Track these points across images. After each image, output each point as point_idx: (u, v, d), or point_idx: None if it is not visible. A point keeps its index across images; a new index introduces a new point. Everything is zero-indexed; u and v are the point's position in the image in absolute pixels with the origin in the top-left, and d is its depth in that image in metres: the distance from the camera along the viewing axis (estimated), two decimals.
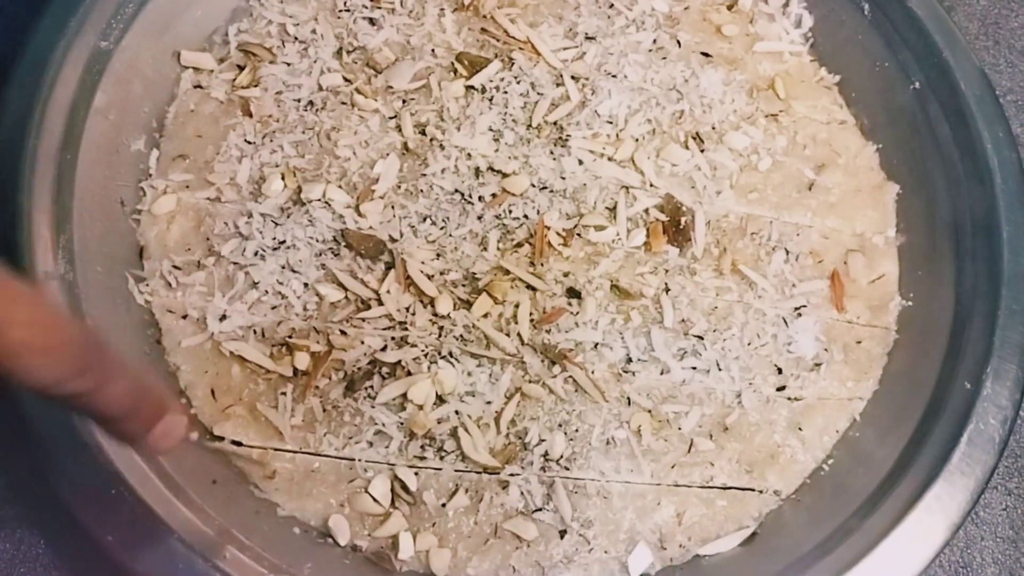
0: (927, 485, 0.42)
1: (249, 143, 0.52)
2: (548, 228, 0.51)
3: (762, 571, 0.42)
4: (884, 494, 0.42)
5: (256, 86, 0.53)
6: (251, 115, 0.52)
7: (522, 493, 0.45)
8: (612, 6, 0.58)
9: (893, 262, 0.52)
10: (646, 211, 0.52)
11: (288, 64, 0.54)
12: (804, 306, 0.51)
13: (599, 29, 0.57)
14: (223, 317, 0.47)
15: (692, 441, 0.47)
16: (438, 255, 0.50)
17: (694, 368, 0.49)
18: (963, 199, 0.49)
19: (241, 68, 0.53)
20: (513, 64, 0.55)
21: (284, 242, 0.49)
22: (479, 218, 0.51)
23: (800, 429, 0.48)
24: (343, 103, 0.53)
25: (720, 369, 0.49)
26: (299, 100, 0.53)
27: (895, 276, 0.52)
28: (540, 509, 0.45)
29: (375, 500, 0.44)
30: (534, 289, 0.49)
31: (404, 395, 0.46)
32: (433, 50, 0.55)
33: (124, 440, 0.32)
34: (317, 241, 0.49)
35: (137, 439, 0.31)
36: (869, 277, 0.52)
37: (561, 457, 0.46)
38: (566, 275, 0.50)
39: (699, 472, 0.47)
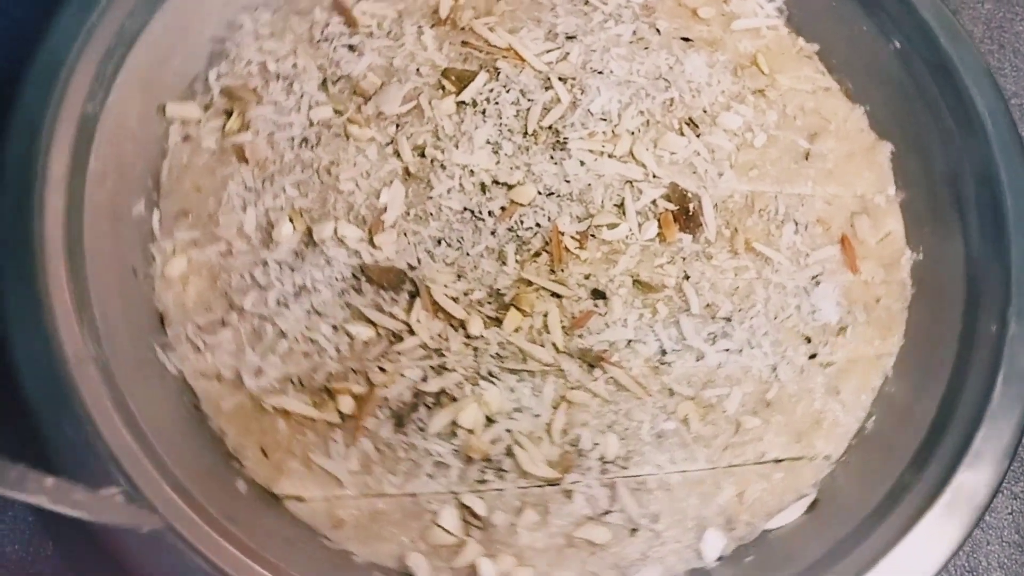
0: (972, 431, 0.44)
1: (249, 189, 0.51)
2: (562, 233, 0.51)
3: (830, 536, 0.44)
4: (933, 445, 0.45)
5: (247, 130, 0.52)
6: (247, 160, 0.51)
7: (587, 499, 0.46)
8: (588, 2, 0.59)
9: (897, 219, 0.54)
10: (654, 203, 0.53)
11: (275, 103, 0.54)
12: (820, 274, 0.53)
13: (578, 27, 0.58)
14: (258, 372, 0.46)
15: (738, 421, 0.49)
16: (459, 276, 0.50)
17: (727, 350, 0.50)
18: (957, 150, 0.51)
19: (229, 113, 0.52)
20: (499, 73, 0.55)
21: (304, 286, 0.49)
22: (492, 233, 0.51)
23: (838, 392, 0.50)
24: (337, 135, 0.53)
25: (752, 347, 0.50)
26: (292, 138, 0.53)
27: (901, 233, 0.54)
28: (608, 512, 0.46)
29: (447, 531, 0.44)
30: (559, 296, 0.50)
31: (454, 422, 0.46)
32: (418, 69, 0.55)
33: None
34: (337, 280, 0.49)
35: None
36: (876, 236, 0.54)
37: (617, 457, 0.47)
38: (587, 277, 0.51)
39: (751, 449, 0.48)
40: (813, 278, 0.53)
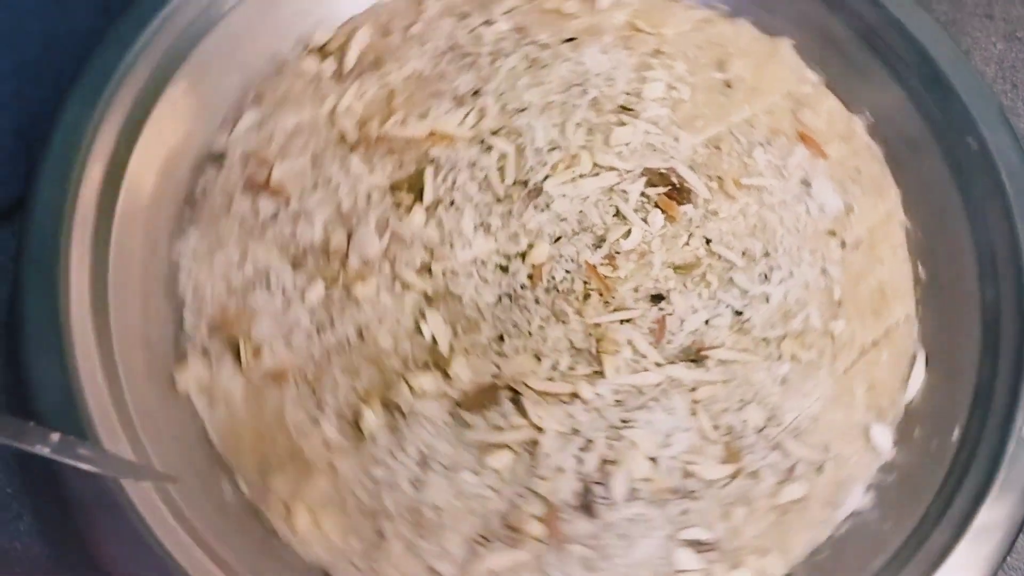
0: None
1: (307, 406, 0.52)
2: (594, 265, 0.56)
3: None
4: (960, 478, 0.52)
5: (258, 353, 0.52)
6: (285, 379, 0.52)
7: (769, 470, 0.53)
8: (468, 54, 0.63)
9: (829, 96, 0.64)
10: (642, 195, 0.59)
11: (266, 311, 0.54)
12: (804, 174, 0.61)
13: (476, 80, 0.62)
14: (445, 557, 0.48)
15: (829, 331, 0.57)
16: (538, 357, 0.54)
17: (782, 280, 0.58)
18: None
19: (235, 348, 0.52)
20: (439, 161, 0.59)
21: (423, 454, 0.51)
22: (537, 302, 0.56)
23: (881, 261, 0.59)
24: (345, 303, 0.55)
25: (798, 264, 0.58)
26: (307, 332, 0.54)
27: (839, 105, 0.63)
28: (790, 467, 0.52)
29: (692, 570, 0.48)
30: (629, 320, 0.55)
31: (630, 479, 0.50)
32: (368, 198, 0.57)
33: None
34: (445, 429, 0.51)
35: None
36: (823, 119, 0.64)
37: (766, 421, 0.53)
38: (636, 290, 0.57)
39: (852, 347, 0.57)
40: (801, 182, 0.61)
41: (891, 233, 0.61)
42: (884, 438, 0.55)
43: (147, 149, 0.55)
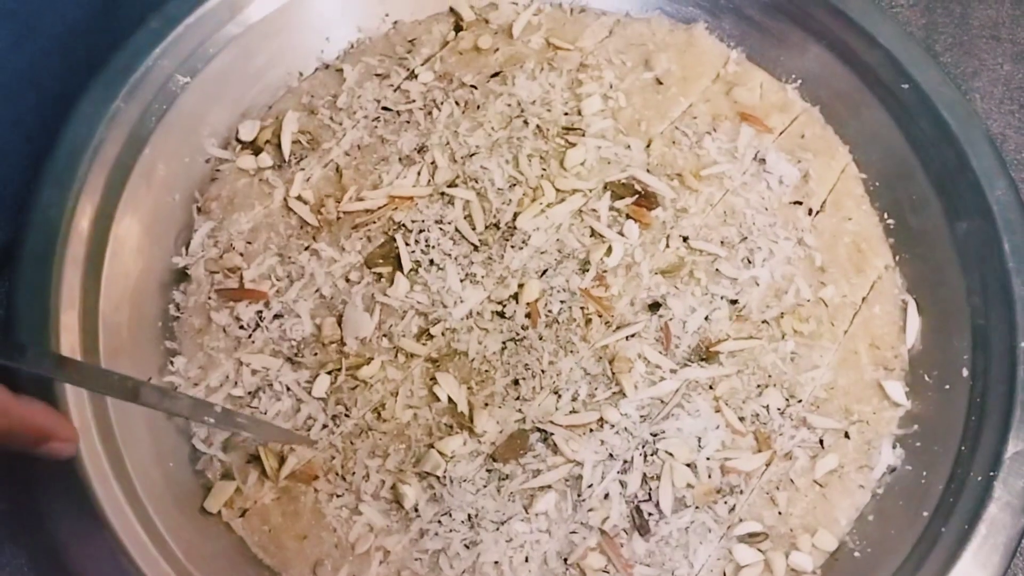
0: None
1: (343, 498, 0.57)
2: (587, 291, 0.62)
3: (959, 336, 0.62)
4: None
5: (281, 458, 0.57)
6: (316, 477, 0.57)
7: (800, 447, 0.60)
8: (399, 113, 0.70)
9: (756, 71, 0.74)
10: (611, 209, 0.66)
11: (276, 413, 0.58)
12: (756, 152, 0.69)
13: (417, 137, 0.69)
14: None
15: (820, 299, 0.65)
16: (557, 393, 0.60)
17: (764, 260, 0.65)
18: None
19: (257, 463, 0.57)
20: (405, 225, 0.64)
21: (470, 514, 0.57)
22: (541, 339, 0.62)
23: (848, 218, 0.67)
24: (354, 388, 0.60)
25: (774, 242, 0.65)
26: (325, 426, 0.59)
27: (767, 77, 0.73)
28: (819, 441, 0.59)
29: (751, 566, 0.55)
30: (635, 335, 0.61)
31: (673, 488, 0.57)
32: (347, 278, 0.63)
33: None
34: (487, 485, 0.57)
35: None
36: (754, 92, 0.72)
37: (787, 401, 0.60)
38: (632, 303, 0.63)
39: (845, 309, 0.66)
40: (755, 160, 0.69)
41: (850, 189, 0.70)
42: (897, 390, 0.63)
43: (112, 288, 0.60)
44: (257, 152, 0.68)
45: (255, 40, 0.69)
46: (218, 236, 0.65)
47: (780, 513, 0.59)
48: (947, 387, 0.61)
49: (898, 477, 0.60)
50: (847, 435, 0.61)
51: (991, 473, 0.55)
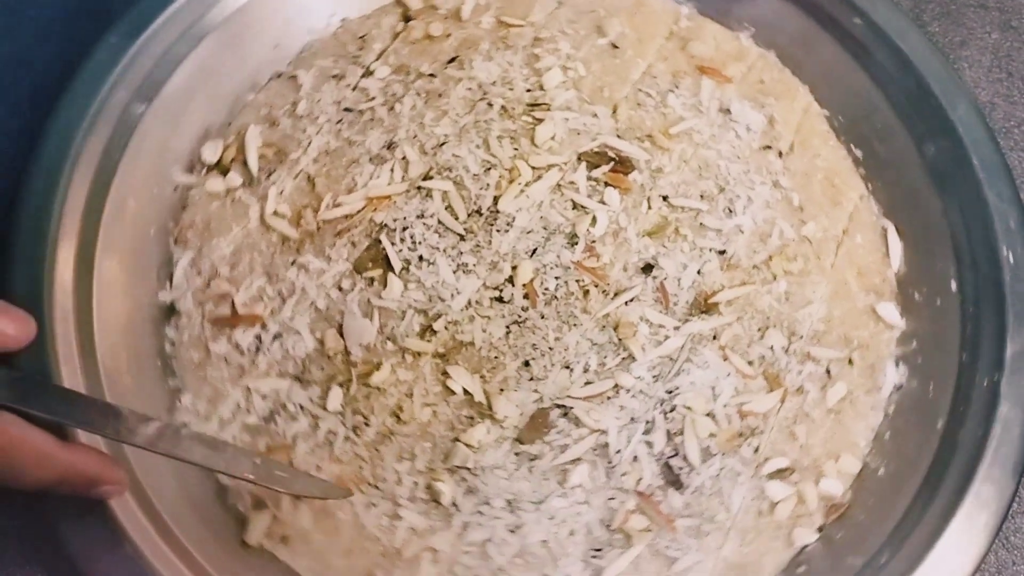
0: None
1: (381, 507, 0.59)
2: (579, 263, 0.65)
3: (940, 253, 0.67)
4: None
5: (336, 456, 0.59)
6: (359, 486, 0.58)
7: (810, 380, 0.65)
8: (361, 112, 0.72)
9: (708, 23, 0.78)
10: (589, 179, 0.69)
11: (300, 437, 0.60)
12: (720, 103, 0.72)
13: (384, 134, 0.72)
14: None
15: (804, 238, 0.69)
16: (569, 367, 0.63)
17: (744, 207, 0.69)
18: None
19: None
20: (387, 225, 0.66)
21: (511, 500, 0.58)
22: (543, 317, 0.65)
23: (816, 155, 0.71)
24: (368, 396, 0.63)
25: (750, 188, 0.69)
26: (347, 438, 0.60)
27: (719, 28, 0.76)
28: (827, 371, 0.64)
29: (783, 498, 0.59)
30: (633, 299, 0.64)
31: (697, 440, 0.60)
32: (339, 287, 0.64)
33: None
34: (516, 469, 0.59)
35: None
36: (709, 45, 0.76)
37: (788, 340, 0.65)
38: (625, 269, 0.66)
39: (832, 240, 0.69)
40: (720, 111, 0.72)
41: (815, 126, 0.74)
42: (890, 312, 0.68)
43: (105, 335, 0.60)
44: (224, 172, 0.69)
45: (206, 58, 0.70)
46: (200, 265, 0.66)
47: (801, 446, 0.63)
48: (938, 302, 0.66)
49: (906, 394, 0.65)
50: (851, 362, 0.66)
51: (995, 377, 0.60)
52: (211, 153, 0.70)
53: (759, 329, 0.66)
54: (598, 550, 0.60)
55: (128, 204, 0.65)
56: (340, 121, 0.72)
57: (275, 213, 0.68)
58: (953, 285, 0.65)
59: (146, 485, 0.57)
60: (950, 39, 0.82)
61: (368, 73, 0.74)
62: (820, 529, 0.62)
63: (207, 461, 0.53)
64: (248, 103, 0.73)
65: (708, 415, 0.63)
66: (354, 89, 0.73)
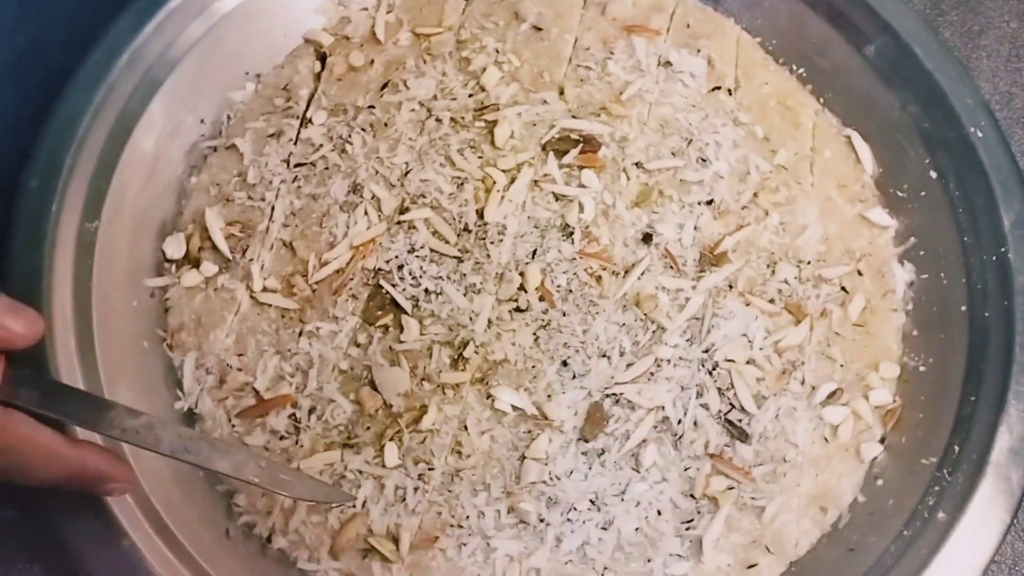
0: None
1: (459, 537, 0.60)
2: (582, 252, 0.66)
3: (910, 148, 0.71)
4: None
5: (395, 537, 0.60)
6: (431, 541, 0.60)
7: (828, 301, 0.68)
8: (315, 164, 0.70)
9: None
10: (561, 167, 0.71)
11: (370, 500, 0.60)
12: (657, 58, 0.73)
13: (343, 178, 0.71)
14: None
15: (779, 165, 0.72)
16: (606, 356, 0.65)
17: (716, 154, 0.71)
18: None
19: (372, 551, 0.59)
20: (378, 271, 0.66)
21: (594, 500, 0.60)
22: (564, 315, 0.67)
23: (766, 83, 0.73)
24: (423, 441, 0.63)
25: (714, 132, 0.71)
26: (417, 488, 0.61)
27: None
28: (841, 288, 0.67)
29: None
30: (645, 271, 0.66)
31: (733, 400, 0.63)
32: (356, 343, 0.65)
33: None
34: (589, 468, 0.61)
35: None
36: (626, 3, 0.78)
37: (798, 266, 0.67)
38: (627, 244, 0.68)
39: (804, 160, 0.73)
40: (660, 65, 0.75)
41: (752, 56, 0.77)
42: (880, 215, 0.72)
43: (144, 463, 0.59)
44: (196, 264, 0.68)
45: (139, 157, 0.68)
46: (206, 363, 0.65)
47: (841, 365, 0.67)
48: (923, 193, 0.70)
49: (920, 289, 0.69)
50: (860, 272, 0.69)
51: (1002, 249, 0.64)
52: (175, 248, 0.68)
53: (768, 266, 0.69)
54: (689, 521, 0.62)
55: (112, 324, 0.63)
56: (296, 179, 0.71)
57: (264, 289, 0.67)
58: (933, 173, 0.69)
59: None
60: (968, 28, 0.82)
61: (306, 122, 0.73)
62: (882, 440, 0.66)
63: (212, 464, 0.53)
64: (193, 187, 0.71)
65: (749, 362, 0.66)
66: (296, 143, 0.72)
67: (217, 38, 0.73)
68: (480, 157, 0.71)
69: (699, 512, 0.62)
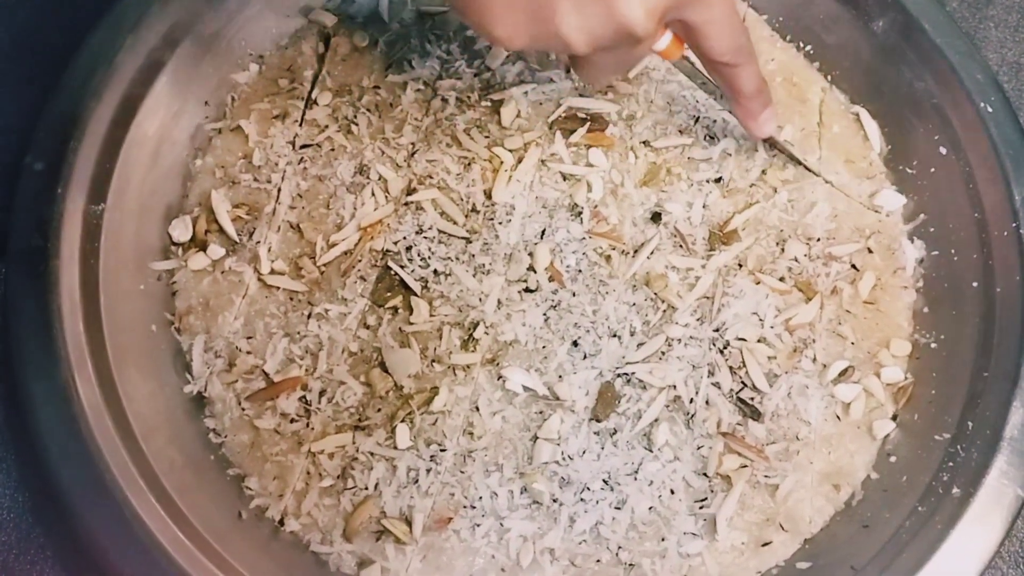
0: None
1: (473, 518, 0.59)
2: (591, 231, 0.66)
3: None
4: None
5: (408, 520, 0.59)
6: (446, 523, 0.59)
7: (838, 279, 0.68)
8: (320, 146, 0.70)
9: None
10: (568, 146, 0.70)
11: (383, 482, 0.60)
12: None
13: (350, 159, 0.70)
14: None
15: (789, 143, 0.71)
16: (616, 336, 0.65)
17: (723, 131, 0.70)
18: None
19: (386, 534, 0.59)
20: (386, 252, 0.66)
21: (607, 480, 0.60)
22: (574, 295, 0.67)
23: (772, 60, 0.73)
24: (434, 422, 0.62)
25: (722, 110, 0.71)
26: (430, 470, 0.60)
27: None
28: (851, 266, 0.67)
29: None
30: (656, 249, 0.67)
31: (741, 374, 0.62)
32: (365, 325, 0.65)
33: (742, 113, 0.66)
34: (602, 448, 0.61)
35: (750, 118, 0.65)
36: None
37: (807, 244, 0.67)
38: (635, 224, 0.67)
39: (812, 136, 0.73)
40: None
41: (759, 32, 0.76)
42: (888, 195, 0.71)
43: (153, 446, 0.59)
44: (203, 246, 0.67)
45: (143, 139, 0.66)
46: (215, 347, 0.65)
47: (853, 343, 0.67)
48: (932, 169, 0.70)
49: (931, 266, 0.69)
50: (870, 250, 0.69)
51: (1013, 224, 0.64)
52: (181, 231, 0.68)
53: (777, 244, 0.69)
54: (703, 499, 0.62)
55: (120, 309, 0.63)
56: (302, 160, 0.70)
57: (272, 272, 0.67)
58: (943, 149, 0.69)
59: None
60: None
61: (312, 103, 0.73)
62: (895, 417, 0.66)
63: None
64: (198, 169, 0.71)
65: (760, 341, 0.66)
66: (302, 124, 0.72)
67: (220, 19, 0.72)
68: (487, 137, 0.71)
69: (712, 491, 0.63)
